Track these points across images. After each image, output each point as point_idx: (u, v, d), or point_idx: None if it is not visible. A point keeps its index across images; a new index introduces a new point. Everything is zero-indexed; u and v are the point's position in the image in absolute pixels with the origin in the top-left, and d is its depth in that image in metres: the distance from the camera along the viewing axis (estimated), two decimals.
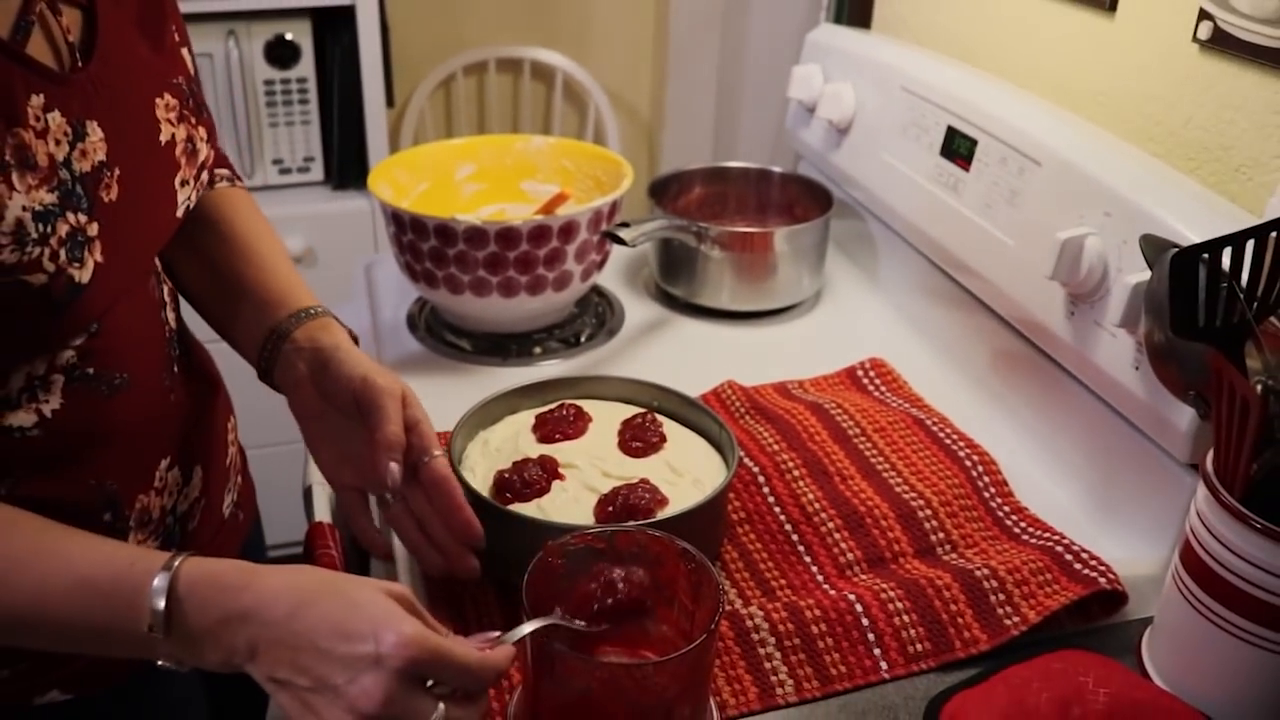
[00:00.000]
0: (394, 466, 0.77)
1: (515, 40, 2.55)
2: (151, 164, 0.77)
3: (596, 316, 1.33)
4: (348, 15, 2.01)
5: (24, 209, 0.64)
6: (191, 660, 0.63)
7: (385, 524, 0.85)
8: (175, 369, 0.86)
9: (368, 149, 2.12)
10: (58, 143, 0.68)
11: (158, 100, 0.78)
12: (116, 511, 0.80)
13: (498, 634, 0.67)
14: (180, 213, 0.82)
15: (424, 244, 1.16)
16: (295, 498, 1.11)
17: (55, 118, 0.68)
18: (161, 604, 0.61)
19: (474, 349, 1.24)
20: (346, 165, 2.13)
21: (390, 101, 2.22)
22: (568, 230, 1.15)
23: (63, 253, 0.67)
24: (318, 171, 2.14)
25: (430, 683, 0.62)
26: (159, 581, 0.61)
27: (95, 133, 0.71)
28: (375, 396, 0.79)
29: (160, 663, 0.64)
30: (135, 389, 0.79)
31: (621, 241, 1.18)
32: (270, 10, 1.98)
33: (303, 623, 0.60)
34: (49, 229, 0.66)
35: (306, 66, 2.04)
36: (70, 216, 0.68)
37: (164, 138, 0.78)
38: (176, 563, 0.62)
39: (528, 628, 0.66)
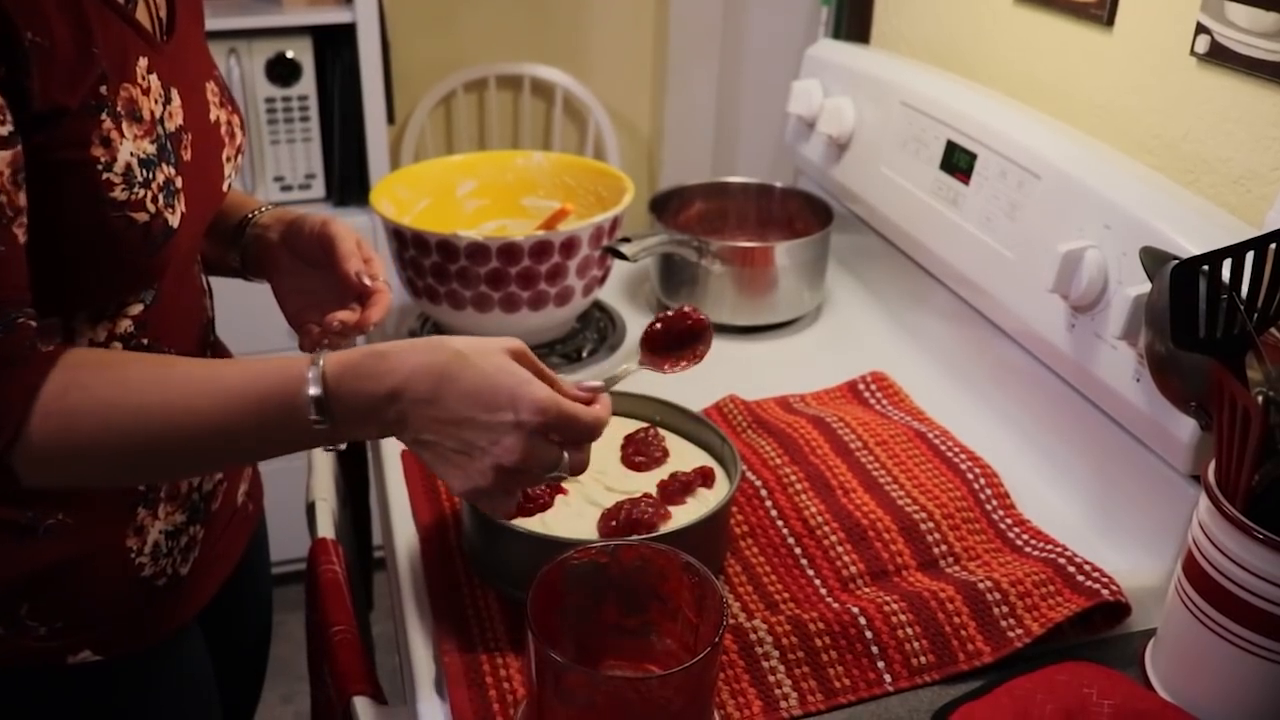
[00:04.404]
0: (358, 272, 0.90)
1: (515, 57, 2.56)
2: (208, 137, 0.85)
3: (598, 331, 1.33)
4: (348, 33, 2.02)
5: (131, 154, 0.72)
6: (348, 435, 0.72)
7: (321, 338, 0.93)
8: (209, 355, 0.95)
9: (369, 166, 2.12)
10: (156, 101, 0.76)
11: (206, 84, 0.87)
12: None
13: (599, 384, 0.77)
14: (225, 186, 0.90)
15: (426, 260, 1.16)
16: (299, 516, 1.12)
17: (154, 79, 0.76)
18: (318, 390, 0.69)
19: None
20: (348, 182, 2.14)
21: (391, 118, 2.23)
22: (569, 246, 1.16)
23: (160, 198, 0.75)
24: (319, 188, 2.14)
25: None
26: (312, 374, 0.70)
27: (175, 99, 0.79)
28: (334, 234, 0.92)
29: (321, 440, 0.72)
30: None
31: (623, 257, 1.18)
32: (271, 28, 1.99)
33: (447, 398, 0.69)
34: (150, 175, 0.74)
35: (308, 84, 2.04)
36: (164, 168, 0.76)
37: (212, 117, 0.87)
38: (319, 362, 0.70)
39: (620, 368, 0.84)
